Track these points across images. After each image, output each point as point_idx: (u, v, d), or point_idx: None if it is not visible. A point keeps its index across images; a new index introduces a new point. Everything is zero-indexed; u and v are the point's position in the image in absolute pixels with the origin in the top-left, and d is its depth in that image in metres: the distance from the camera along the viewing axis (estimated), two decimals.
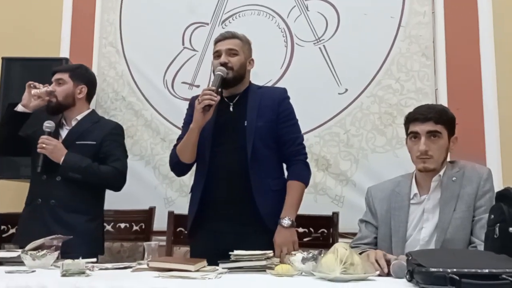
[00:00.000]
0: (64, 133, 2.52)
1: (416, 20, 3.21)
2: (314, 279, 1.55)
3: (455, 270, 1.29)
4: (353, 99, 3.20)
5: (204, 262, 1.74)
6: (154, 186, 3.37)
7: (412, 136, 2.04)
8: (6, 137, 2.48)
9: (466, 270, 1.29)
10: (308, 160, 2.33)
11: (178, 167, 2.32)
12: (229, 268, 1.72)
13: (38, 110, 2.50)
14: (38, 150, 2.36)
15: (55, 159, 2.38)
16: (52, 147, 2.37)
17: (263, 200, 2.18)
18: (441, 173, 2.03)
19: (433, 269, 1.31)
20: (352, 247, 1.73)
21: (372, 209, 2.15)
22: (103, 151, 2.49)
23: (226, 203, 2.19)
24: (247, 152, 2.19)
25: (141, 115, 3.47)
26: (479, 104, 3.06)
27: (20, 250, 1.95)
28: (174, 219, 2.78)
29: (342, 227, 2.69)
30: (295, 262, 1.67)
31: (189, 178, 2.57)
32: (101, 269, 1.78)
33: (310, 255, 1.66)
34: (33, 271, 1.71)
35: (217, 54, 2.29)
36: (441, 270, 1.30)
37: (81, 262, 1.64)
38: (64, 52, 3.57)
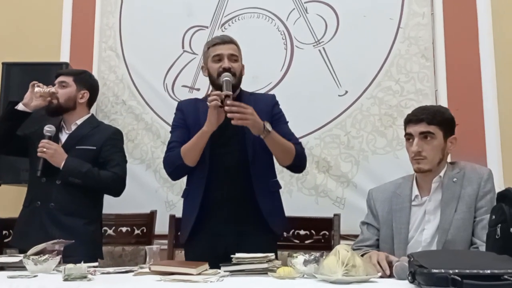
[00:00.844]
0: (63, 137, 2.53)
1: (415, 21, 3.22)
2: (316, 281, 1.55)
3: (457, 271, 1.29)
4: (353, 101, 3.20)
5: (206, 266, 1.75)
6: (155, 189, 3.36)
7: (408, 137, 2.07)
8: (3, 134, 2.48)
9: (468, 271, 1.29)
10: (308, 163, 2.34)
11: (179, 170, 2.30)
12: (230, 271, 1.72)
13: (37, 114, 2.51)
14: (39, 154, 2.37)
15: (55, 163, 2.39)
16: (52, 151, 2.38)
17: (265, 200, 2.21)
18: (442, 174, 2.04)
19: (435, 270, 1.31)
20: (354, 250, 1.74)
21: (374, 211, 2.15)
22: (103, 156, 2.50)
23: (228, 204, 2.20)
24: (247, 153, 2.22)
25: (141, 119, 3.48)
26: (479, 105, 3.07)
27: (21, 255, 1.95)
28: (176, 222, 2.77)
29: (344, 229, 2.68)
30: (297, 265, 1.67)
31: None
32: (103, 273, 1.78)
33: (312, 257, 1.66)
34: (35, 276, 1.71)
35: (217, 58, 2.28)
36: (443, 271, 1.30)
37: (83, 266, 1.64)
38: (64, 56, 3.57)
